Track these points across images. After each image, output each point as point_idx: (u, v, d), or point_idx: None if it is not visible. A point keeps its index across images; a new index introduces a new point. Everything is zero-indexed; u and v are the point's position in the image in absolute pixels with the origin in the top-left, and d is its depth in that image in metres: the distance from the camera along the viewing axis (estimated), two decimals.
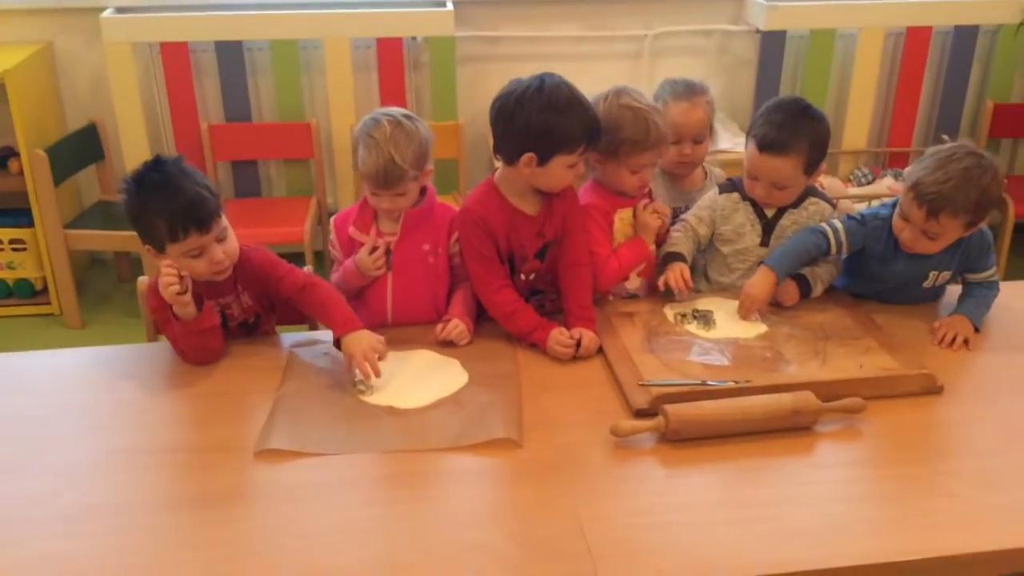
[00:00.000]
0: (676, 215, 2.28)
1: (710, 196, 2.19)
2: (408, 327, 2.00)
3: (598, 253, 2.07)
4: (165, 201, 1.77)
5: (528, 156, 1.89)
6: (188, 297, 1.81)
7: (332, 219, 2.13)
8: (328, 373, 1.84)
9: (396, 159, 1.91)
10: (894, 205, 2.02)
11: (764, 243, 2.13)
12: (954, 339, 1.95)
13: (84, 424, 1.71)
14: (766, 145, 2.03)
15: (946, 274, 2.06)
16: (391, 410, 1.72)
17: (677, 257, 2.11)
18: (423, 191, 2.05)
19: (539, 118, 1.86)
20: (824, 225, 2.07)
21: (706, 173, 2.36)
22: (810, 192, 2.14)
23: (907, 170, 1.98)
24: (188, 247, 1.79)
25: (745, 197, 2.14)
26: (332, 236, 2.11)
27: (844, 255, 2.09)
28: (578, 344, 1.90)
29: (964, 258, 2.04)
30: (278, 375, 1.83)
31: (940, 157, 1.91)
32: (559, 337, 1.91)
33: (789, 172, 2.04)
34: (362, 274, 2.02)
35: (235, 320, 1.97)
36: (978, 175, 1.88)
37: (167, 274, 1.79)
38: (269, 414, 1.69)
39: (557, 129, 1.87)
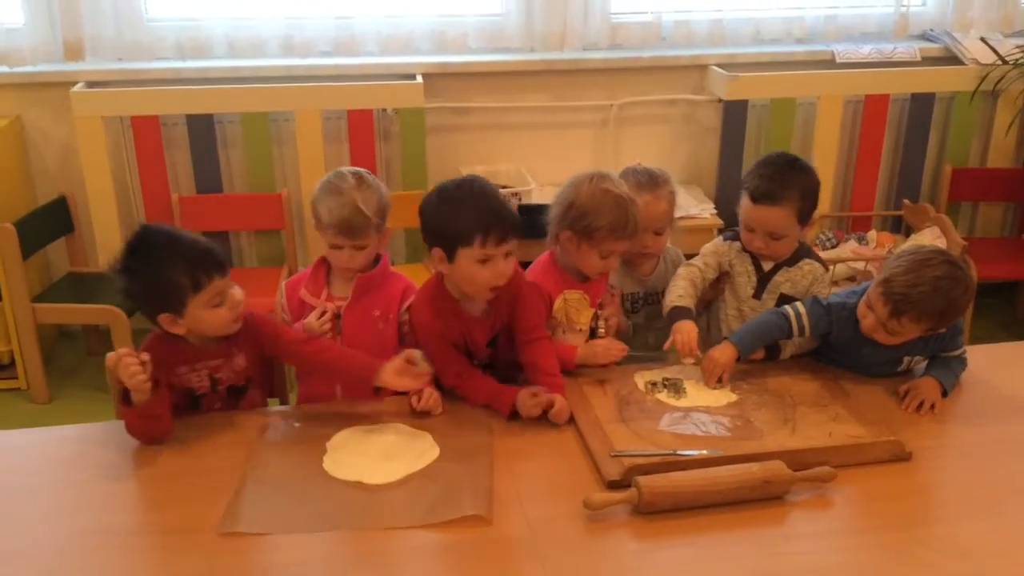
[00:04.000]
0: (634, 300, 2.31)
1: (715, 243, 2.26)
2: (380, 399, 1.98)
3: None
4: (181, 255, 1.80)
5: (436, 251, 1.92)
6: (149, 384, 1.77)
7: (283, 283, 2.14)
8: (297, 447, 1.82)
9: (361, 207, 1.97)
10: (862, 293, 2.04)
11: (756, 296, 2.20)
12: (921, 404, 1.97)
13: (45, 506, 1.68)
14: (759, 196, 2.11)
15: (919, 359, 2.09)
16: (360, 485, 1.70)
17: (685, 313, 2.12)
18: (377, 258, 2.07)
19: (436, 210, 1.91)
20: (787, 308, 2.10)
21: (659, 258, 2.36)
22: (805, 252, 2.21)
23: (885, 262, 2.02)
24: (211, 294, 1.81)
25: (745, 248, 2.22)
26: (282, 299, 2.13)
27: (806, 336, 2.10)
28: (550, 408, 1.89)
29: (937, 344, 2.06)
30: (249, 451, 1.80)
31: (916, 259, 1.93)
32: (530, 389, 1.91)
33: (783, 221, 2.12)
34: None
35: (224, 384, 1.95)
36: (949, 286, 1.90)
37: (130, 364, 1.74)
38: (235, 492, 1.67)
39: (450, 220, 1.89)
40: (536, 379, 1.98)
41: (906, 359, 2.07)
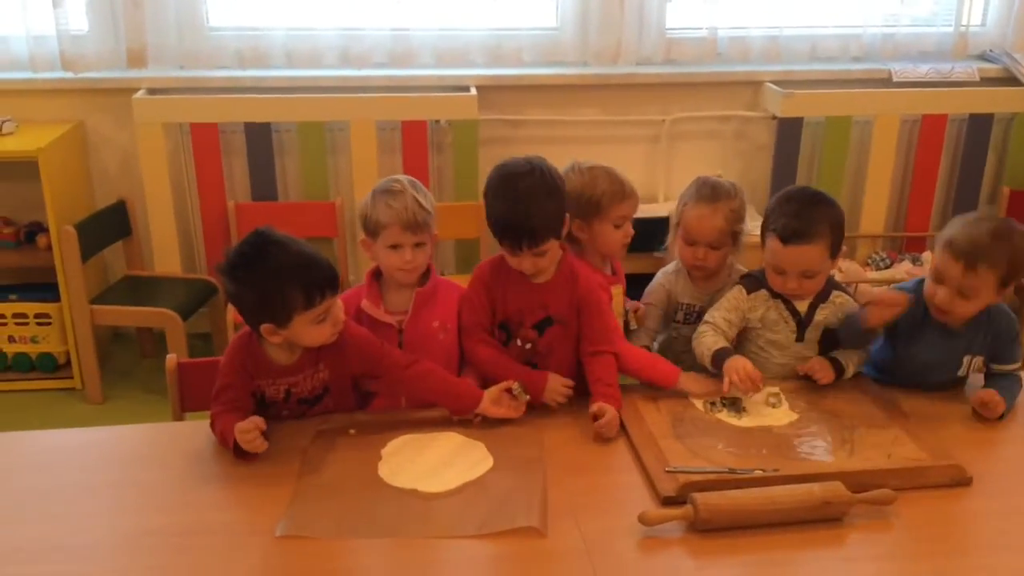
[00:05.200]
0: (688, 311, 2.28)
1: (735, 296, 2.14)
2: (433, 408, 1.99)
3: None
4: (297, 270, 1.78)
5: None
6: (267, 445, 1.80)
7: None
8: (352, 453, 1.83)
9: (421, 202, 2.01)
10: (919, 283, 2.04)
11: (799, 338, 2.13)
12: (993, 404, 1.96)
13: (103, 505, 1.70)
14: (790, 236, 2.02)
15: (979, 360, 2.06)
16: (415, 493, 1.71)
17: (728, 352, 2.04)
18: (428, 272, 2.08)
19: (486, 205, 2.00)
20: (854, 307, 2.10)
21: (726, 275, 2.30)
22: (834, 286, 2.15)
23: (937, 236, 2.05)
24: (320, 311, 1.80)
25: (775, 295, 2.12)
26: None
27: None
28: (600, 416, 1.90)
29: (994, 339, 2.05)
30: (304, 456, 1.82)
31: (968, 219, 2.00)
32: (561, 379, 2.00)
33: (818, 259, 2.05)
34: None
35: (296, 397, 1.94)
36: (1008, 232, 1.96)
37: (255, 439, 1.76)
38: (292, 497, 1.69)
39: (488, 209, 1.99)
40: (594, 389, 1.99)
41: (966, 359, 2.05)
